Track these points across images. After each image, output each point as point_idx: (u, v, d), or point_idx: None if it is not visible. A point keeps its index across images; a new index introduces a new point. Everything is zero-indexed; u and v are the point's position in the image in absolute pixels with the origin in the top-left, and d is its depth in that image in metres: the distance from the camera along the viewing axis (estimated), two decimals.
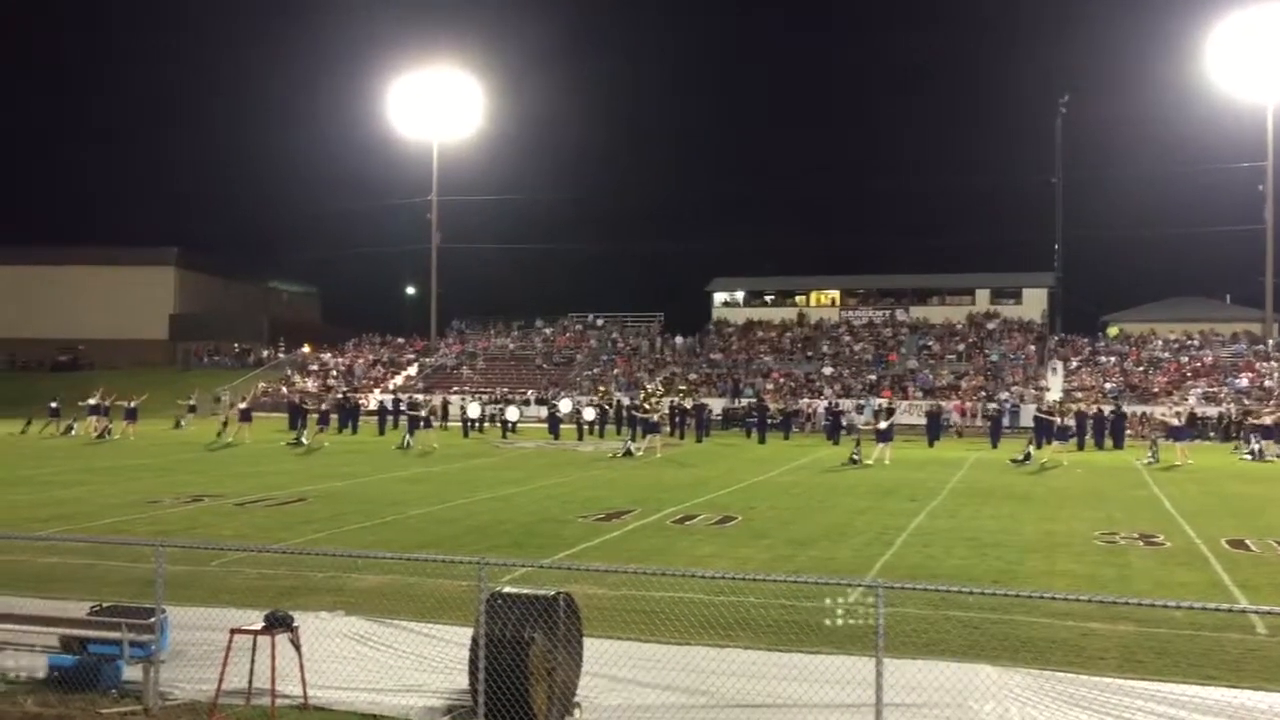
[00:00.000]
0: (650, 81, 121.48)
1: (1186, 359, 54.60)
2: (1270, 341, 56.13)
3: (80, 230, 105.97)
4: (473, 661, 8.54)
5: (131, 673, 9.48)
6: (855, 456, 31.78)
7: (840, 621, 9.88)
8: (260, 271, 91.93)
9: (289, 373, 64.97)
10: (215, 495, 23.11)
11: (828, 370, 57.34)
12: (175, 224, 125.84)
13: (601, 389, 54.68)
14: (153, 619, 9.28)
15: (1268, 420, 37.73)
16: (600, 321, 69.41)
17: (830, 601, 10.52)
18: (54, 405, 46.03)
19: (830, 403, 49.39)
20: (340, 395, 52.51)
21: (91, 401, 43.69)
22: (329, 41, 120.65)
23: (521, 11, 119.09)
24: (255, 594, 12.61)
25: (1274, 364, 52.58)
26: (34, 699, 9.32)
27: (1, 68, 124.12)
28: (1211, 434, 44.56)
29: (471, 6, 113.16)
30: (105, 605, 10.13)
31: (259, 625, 9.22)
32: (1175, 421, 34.63)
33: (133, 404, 42.41)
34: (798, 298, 68.19)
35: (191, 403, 48.39)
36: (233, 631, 9.21)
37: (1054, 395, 49.74)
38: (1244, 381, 50.91)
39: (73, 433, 43.27)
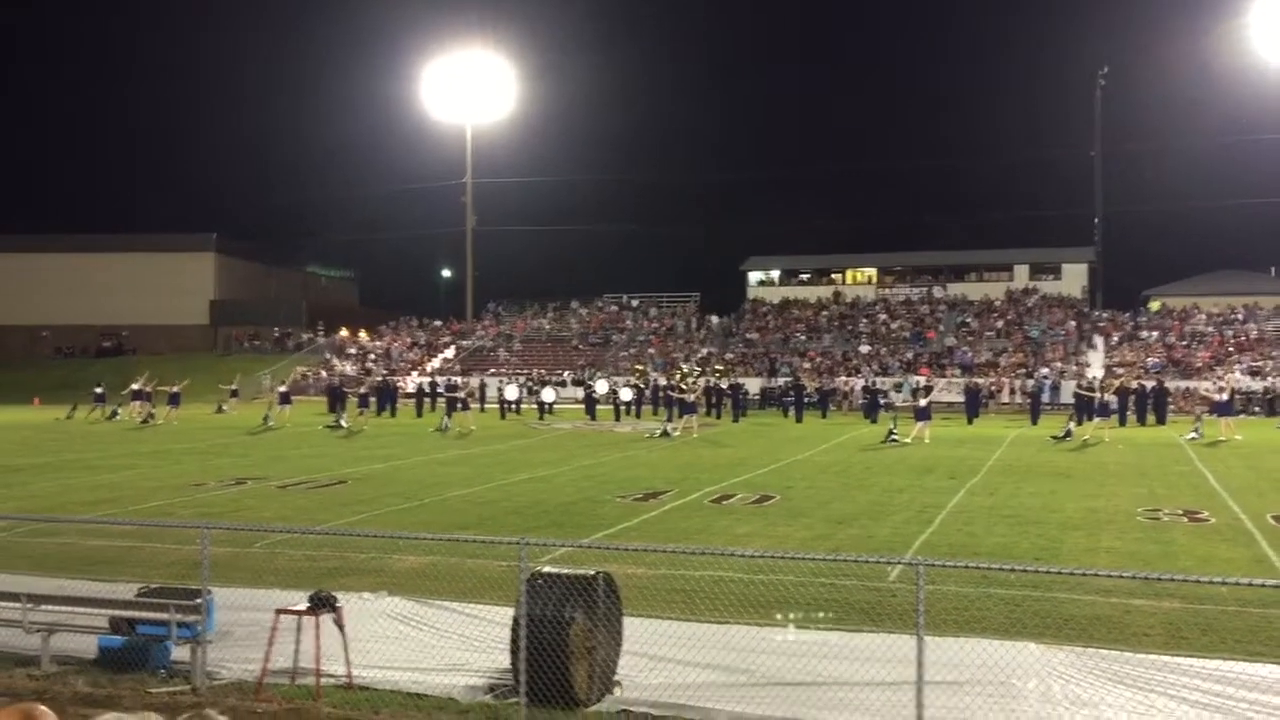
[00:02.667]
0: (685, 61, 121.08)
1: (1230, 333, 53.82)
2: None
3: (121, 218, 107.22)
4: (514, 641, 8.60)
5: (179, 653, 9.63)
6: (893, 434, 31.62)
7: (881, 600, 9.85)
8: (298, 257, 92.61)
9: (328, 356, 65.48)
10: (258, 478, 23.37)
11: (865, 348, 57.04)
12: (214, 211, 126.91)
13: (638, 369, 54.69)
14: (199, 600, 9.42)
15: None
16: (636, 302, 69.37)
17: (870, 580, 10.50)
18: (98, 390, 46.64)
19: (867, 381, 49.16)
20: (379, 378, 52.86)
21: (135, 387, 44.23)
22: (364, 26, 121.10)
23: None
24: (299, 575, 12.75)
25: None
26: (84, 679, 9.49)
27: (44, 57, 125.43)
28: (1256, 409, 43.92)
29: None
30: (153, 587, 10.29)
31: (303, 606, 9.33)
32: (1219, 397, 34.15)
33: (175, 389, 42.91)
34: (834, 276, 67.77)
35: (233, 387, 48.89)
36: (278, 612, 9.33)
37: (1095, 371, 49.20)
38: None
39: (117, 417, 43.86)
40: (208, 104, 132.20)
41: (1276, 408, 43.19)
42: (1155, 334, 55.04)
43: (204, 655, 9.38)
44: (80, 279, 78.88)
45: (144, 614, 9.68)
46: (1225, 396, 33.89)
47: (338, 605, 9.34)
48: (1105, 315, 59.07)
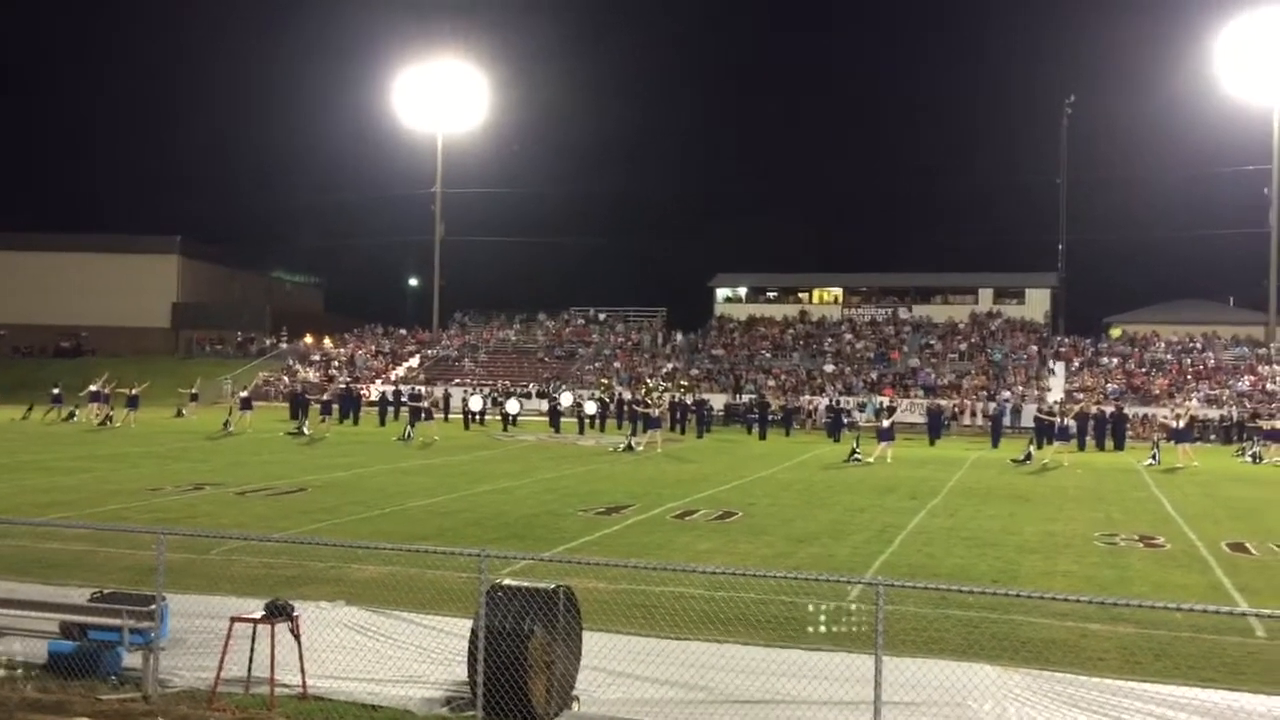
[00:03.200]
0: (656, 77, 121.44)
1: (1189, 361, 54.55)
2: (1273, 345, 56.05)
3: (85, 218, 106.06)
4: (472, 653, 8.55)
5: (131, 660, 9.50)
6: (856, 454, 31.77)
7: (839, 619, 9.88)
8: (263, 261, 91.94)
9: (291, 362, 64.99)
10: (216, 484, 23.13)
11: (829, 368, 57.31)
12: (179, 213, 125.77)
13: (604, 383, 54.67)
14: (153, 606, 9.30)
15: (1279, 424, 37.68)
16: (603, 316, 69.37)
17: (829, 599, 10.53)
18: (56, 392, 46.04)
19: (832, 400, 49.38)
20: (342, 385, 52.51)
21: (93, 388, 43.72)
22: (335, 32, 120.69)
23: (528, 5, 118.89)
24: (255, 583, 12.62)
25: (1276, 367, 52.50)
26: (34, 685, 9.34)
27: (6, 55, 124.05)
28: (1213, 436, 44.52)
29: None
30: (106, 592, 10.14)
31: (259, 614, 9.23)
32: (1178, 424, 34.57)
33: (134, 391, 42.42)
34: (800, 294, 68.09)
35: (194, 391, 48.40)
36: (233, 620, 9.23)
37: (1055, 396, 49.72)
38: (1246, 384, 50.87)
39: (74, 419, 43.31)
40: (176, 105, 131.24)
41: (1233, 436, 43.76)
42: (1115, 360, 55.68)
43: (156, 662, 9.25)
44: (40, 278, 77.84)
45: (96, 619, 9.54)
46: (1184, 424, 34.32)
47: (294, 614, 9.25)
48: (1067, 340, 59.70)
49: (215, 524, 17.59)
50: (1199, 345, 56.46)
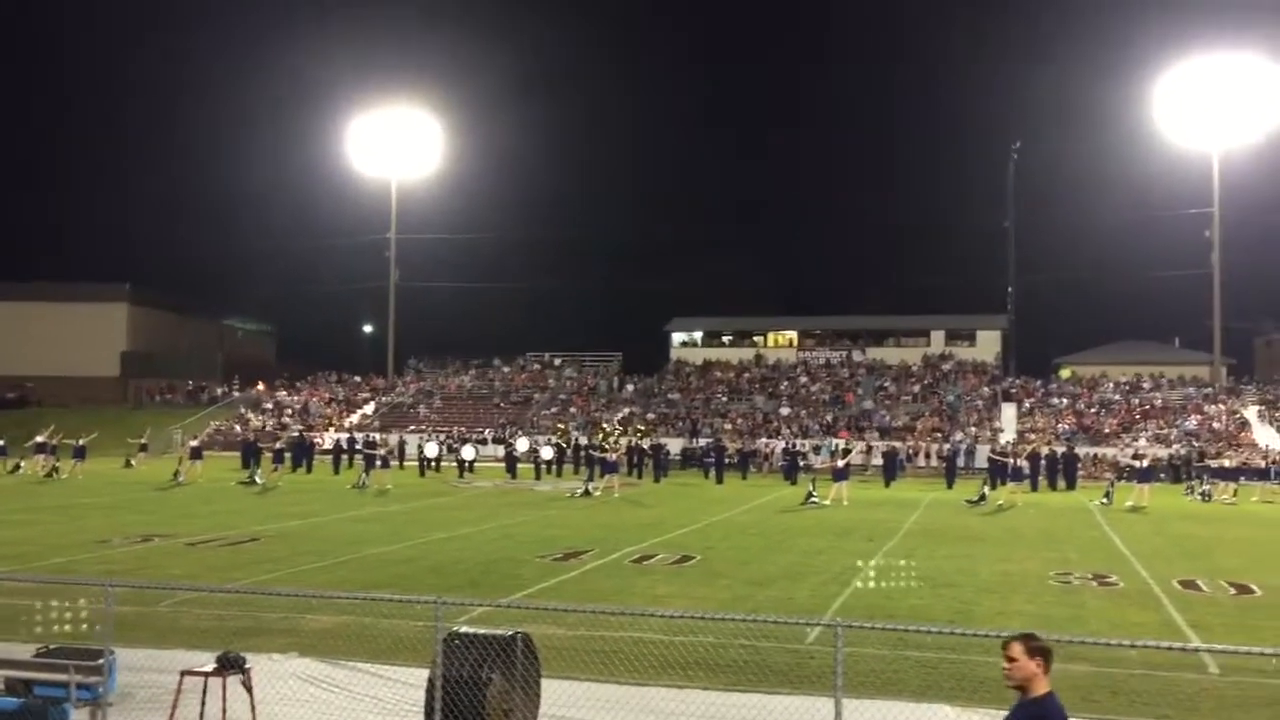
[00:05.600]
0: (609, 121, 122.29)
1: (1137, 401, 55.41)
2: (1217, 385, 57.13)
3: (30, 266, 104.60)
4: (429, 703, 8.44)
5: (78, 716, 9.26)
6: (813, 496, 31.85)
7: (799, 661, 9.87)
8: (214, 309, 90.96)
9: (243, 411, 64.25)
10: (166, 535, 22.73)
11: (785, 410, 57.58)
12: (128, 260, 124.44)
13: (559, 428, 54.53)
14: (100, 660, 9.10)
15: (1227, 463, 38.25)
16: (558, 361, 69.32)
17: (789, 641, 10.52)
18: (0, 443, 45.13)
19: (788, 443, 49.57)
20: (295, 433, 51.94)
21: (39, 440, 42.92)
22: (287, 78, 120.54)
23: (481, 51, 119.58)
24: (206, 635, 12.40)
25: (1221, 406, 53.46)
26: None
27: None
28: (1162, 475, 45.13)
29: (431, 45, 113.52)
30: (52, 647, 9.91)
31: (210, 667, 9.07)
32: (1139, 464, 34.93)
33: (81, 442, 41.69)
34: (755, 338, 68.54)
35: (143, 441, 47.65)
36: (183, 673, 9.05)
37: (1008, 436, 50.26)
38: (1193, 423, 51.71)
39: (20, 472, 42.45)
40: (125, 150, 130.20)
41: (1181, 474, 44.38)
42: (1065, 400, 56.43)
43: (104, 718, 9.04)
44: None
45: (41, 674, 9.31)
46: (1146, 464, 34.75)
47: (246, 666, 9.09)
48: (1018, 381, 60.44)
49: (165, 575, 17.26)
50: (1146, 385, 57.39)
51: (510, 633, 8.92)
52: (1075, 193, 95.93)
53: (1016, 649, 5.46)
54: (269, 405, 65.02)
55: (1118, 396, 56.30)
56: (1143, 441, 49.00)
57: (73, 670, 9.11)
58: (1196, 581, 17.81)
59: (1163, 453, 47.30)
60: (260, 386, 70.19)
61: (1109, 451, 47.88)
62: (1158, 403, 54.97)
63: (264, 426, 58.67)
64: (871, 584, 17.10)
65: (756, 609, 14.83)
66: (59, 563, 18.59)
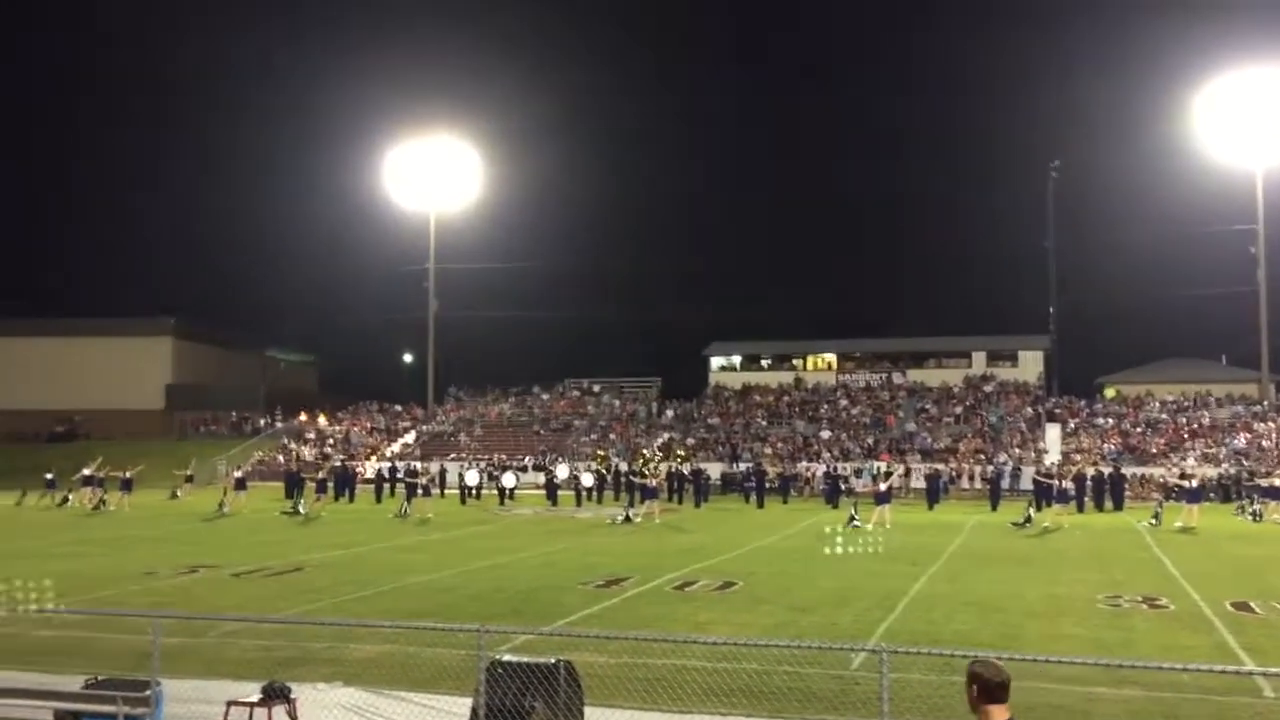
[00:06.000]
0: (649, 148, 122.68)
1: (1184, 420, 54.62)
2: (1266, 402, 56.20)
3: (77, 302, 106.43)
4: None
5: None
6: (855, 520, 31.60)
7: (844, 688, 9.78)
8: (257, 340, 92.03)
9: (286, 441, 64.81)
10: (211, 565, 22.93)
11: (825, 434, 57.27)
12: (172, 294, 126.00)
13: (600, 455, 54.53)
14: (148, 692, 9.18)
15: (1278, 482, 37.57)
16: (597, 387, 69.42)
17: (833, 668, 10.43)
18: (49, 477, 45.78)
19: (829, 466, 49.28)
20: (337, 463, 52.32)
21: (86, 472, 43.49)
22: (327, 110, 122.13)
23: (521, 80, 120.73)
24: (252, 665, 12.47)
25: (1271, 425, 52.58)
26: None
27: None
28: (1211, 495, 44.41)
29: (471, 76, 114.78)
30: (100, 678, 10.02)
31: (256, 697, 9.12)
32: (1188, 484, 34.40)
33: (128, 474, 42.21)
34: (794, 361, 68.30)
35: (188, 473, 48.20)
36: (229, 704, 9.12)
37: (1052, 457, 49.68)
38: (1241, 442, 50.89)
39: (68, 504, 43.02)
40: (167, 186, 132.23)
41: (1231, 494, 43.66)
42: (1111, 421, 55.72)
43: None
44: (34, 363, 77.89)
45: (90, 706, 9.41)
46: (1195, 483, 34.21)
47: (291, 696, 9.14)
48: (1062, 402, 59.79)
49: (211, 606, 17.41)
50: (1193, 404, 56.57)
51: (553, 661, 8.91)
52: (1116, 210, 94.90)
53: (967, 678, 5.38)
54: (311, 435, 65.55)
55: (1164, 416, 55.53)
56: (1191, 461, 48.28)
57: (120, 701, 9.20)
58: (1249, 603, 17.48)
59: (1212, 472, 46.56)
60: (303, 417, 70.80)
61: (1156, 472, 47.19)
62: (1205, 421, 54.15)
63: (307, 457, 59.13)
64: (916, 609, 16.92)
65: (800, 635, 14.72)
66: (107, 595, 18.79)
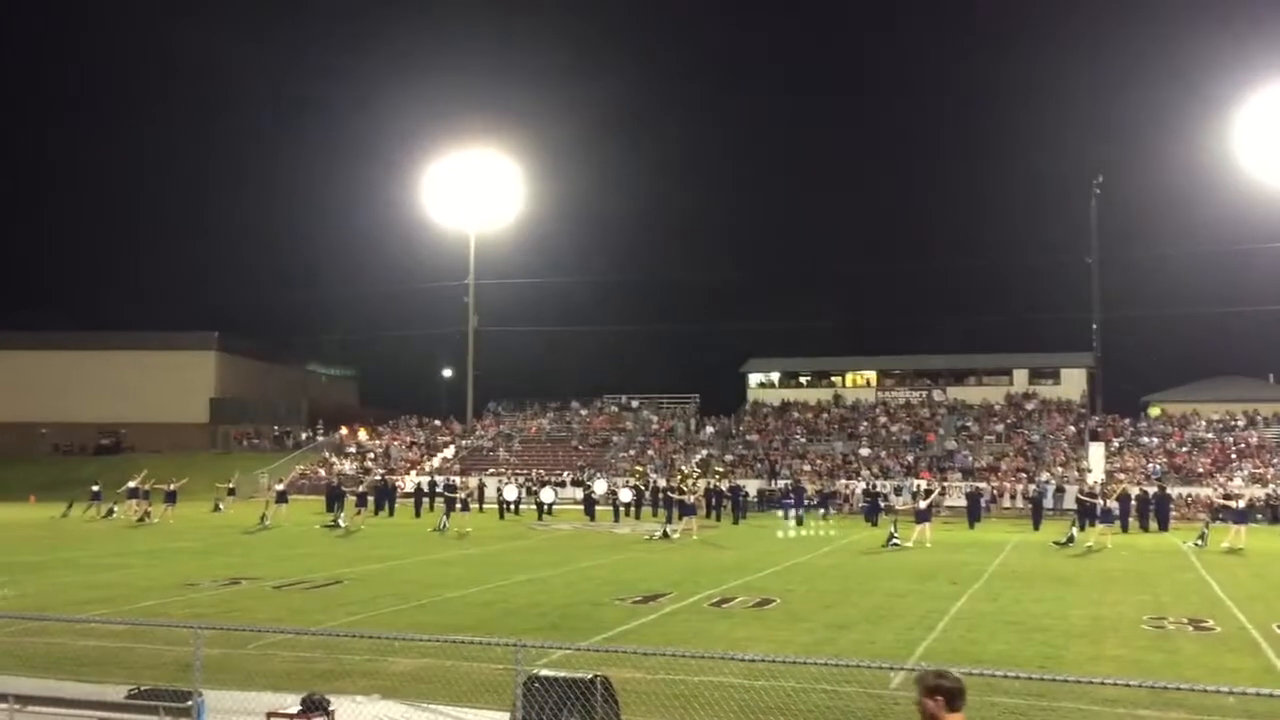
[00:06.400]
0: (686, 164, 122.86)
1: (1231, 439, 53.77)
2: None
3: (123, 316, 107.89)
4: None
5: None
6: (894, 538, 31.38)
7: (883, 707, 9.69)
8: (299, 355, 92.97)
9: (327, 455, 65.34)
10: (253, 578, 23.14)
11: (865, 451, 56.91)
12: (216, 309, 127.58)
13: (638, 470, 54.51)
14: (190, 702, 9.27)
15: None
16: (636, 403, 69.44)
17: (872, 687, 10.34)
18: (95, 489, 46.41)
19: (868, 484, 48.97)
20: (377, 477, 52.67)
21: (131, 485, 44.05)
22: (369, 127, 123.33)
23: (559, 96, 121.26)
24: (292, 677, 12.55)
25: None
26: None
27: (44, 154, 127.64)
28: (1259, 516, 43.65)
29: (511, 90, 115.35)
30: (143, 688, 10.13)
31: (295, 709, 9.19)
32: (1235, 504, 33.88)
33: (172, 487, 42.73)
34: (833, 378, 67.94)
35: (231, 486, 48.69)
36: (269, 715, 9.18)
37: (1096, 476, 49.07)
38: None
39: (113, 516, 43.59)
40: (212, 202, 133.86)
41: (1279, 515, 42.92)
42: (1156, 440, 54.97)
43: None
44: (80, 377, 79.09)
45: (132, 715, 9.52)
46: (1244, 504, 33.68)
47: (330, 708, 9.20)
48: (1105, 420, 59.06)
49: (252, 618, 17.56)
50: (1240, 423, 55.69)
51: (589, 676, 8.91)
52: (1161, 226, 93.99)
53: (917, 691, 5.25)
54: (352, 449, 66.03)
55: (1210, 435, 54.69)
56: (1238, 481, 47.50)
57: (162, 711, 9.31)
58: None
59: (1259, 492, 45.78)
60: (344, 431, 71.39)
61: (1202, 491, 46.49)
62: (1253, 441, 53.28)
63: (347, 470, 59.56)
64: (957, 628, 16.76)
65: (838, 653, 14.61)
66: (149, 605, 19.01)
